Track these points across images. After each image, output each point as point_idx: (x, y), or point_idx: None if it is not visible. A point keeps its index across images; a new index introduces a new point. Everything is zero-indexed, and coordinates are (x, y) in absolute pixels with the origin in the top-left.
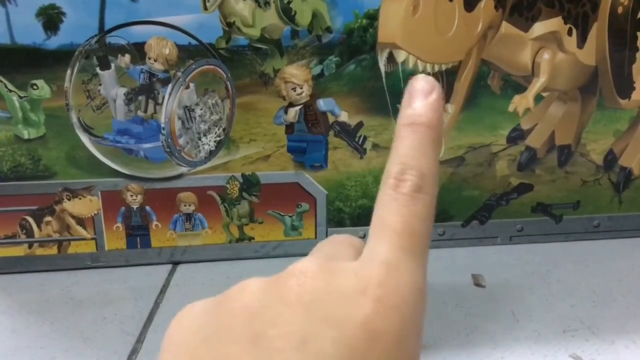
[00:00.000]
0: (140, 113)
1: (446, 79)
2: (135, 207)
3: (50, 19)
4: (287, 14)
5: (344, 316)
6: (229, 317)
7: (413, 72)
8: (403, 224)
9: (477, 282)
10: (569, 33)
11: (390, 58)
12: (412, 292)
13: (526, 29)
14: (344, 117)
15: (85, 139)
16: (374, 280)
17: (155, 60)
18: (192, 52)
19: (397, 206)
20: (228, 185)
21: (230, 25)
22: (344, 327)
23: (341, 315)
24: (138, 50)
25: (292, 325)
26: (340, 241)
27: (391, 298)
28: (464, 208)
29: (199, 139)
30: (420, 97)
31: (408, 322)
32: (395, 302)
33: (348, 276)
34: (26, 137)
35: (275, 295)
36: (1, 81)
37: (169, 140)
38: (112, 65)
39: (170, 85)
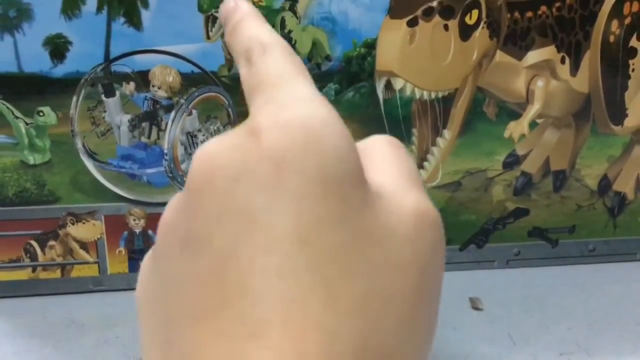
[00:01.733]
0: (143, 139)
1: (442, 105)
2: (137, 231)
3: (57, 47)
4: (287, 43)
5: (244, 162)
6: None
7: (411, 99)
8: (263, 72)
9: (475, 305)
10: (562, 61)
11: (388, 85)
12: (301, 103)
13: (520, 57)
14: None
15: (89, 164)
16: (258, 119)
17: (159, 88)
18: (195, 80)
19: (251, 72)
20: None
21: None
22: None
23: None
24: (142, 78)
25: None
26: None
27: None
28: (462, 232)
29: None
30: (229, 13)
31: (314, 130)
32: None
33: (238, 131)
34: (32, 162)
35: None
36: (8, 108)
37: (172, 165)
38: (117, 92)
39: (173, 112)
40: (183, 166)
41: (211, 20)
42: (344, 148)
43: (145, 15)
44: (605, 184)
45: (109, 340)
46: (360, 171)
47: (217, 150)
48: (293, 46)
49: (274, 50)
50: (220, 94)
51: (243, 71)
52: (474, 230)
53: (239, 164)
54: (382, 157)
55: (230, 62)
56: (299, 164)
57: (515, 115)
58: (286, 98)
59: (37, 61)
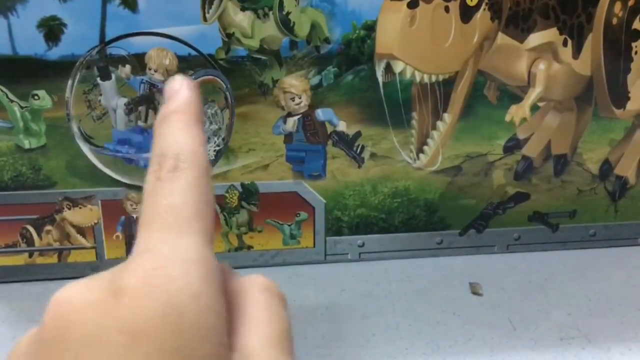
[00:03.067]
0: (140, 123)
1: (443, 89)
2: (135, 216)
3: (52, 30)
4: (285, 25)
5: (99, 327)
6: None
7: (410, 82)
8: (162, 204)
9: (475, 290)
10: (564, 44)
11: (388, 68)
12: (177, 266)
13: (522, 39)
14: (342, 126)
15: (85, 148)
16: (125, 276)
17: (155, 71)
18: (191, 63)
19: (156, 191)
20: (227, 195)
21: (229, 36)
22: (103, 339)
23: (95, 327)
24: (138, 61)
25: None
26: None
27: (148, 286)
28: (462, 217)
29: None
30: (169, 95)
31: (178, 305)
32: (154, 289)
33: (102, 283)
34: (27, 146)
35: None
36: (3, 91)
37: None
38: (113, 75)
39: None
40: None
41: (207, 1)
42: (208, 326)
43: None
44: (606, 168)
45: None
46: (222, 348)
47: (76, 303)
48: (291, 28)
49: (185, 173)
50: (218, 77)
51: (150, 178)
52: (474, 215)
53: (94, 328)
54: (255, 312)
55: (227, 45)
56: (157, 342)
57: (517, 99)
58: (166, 256)
59: (31, 44)
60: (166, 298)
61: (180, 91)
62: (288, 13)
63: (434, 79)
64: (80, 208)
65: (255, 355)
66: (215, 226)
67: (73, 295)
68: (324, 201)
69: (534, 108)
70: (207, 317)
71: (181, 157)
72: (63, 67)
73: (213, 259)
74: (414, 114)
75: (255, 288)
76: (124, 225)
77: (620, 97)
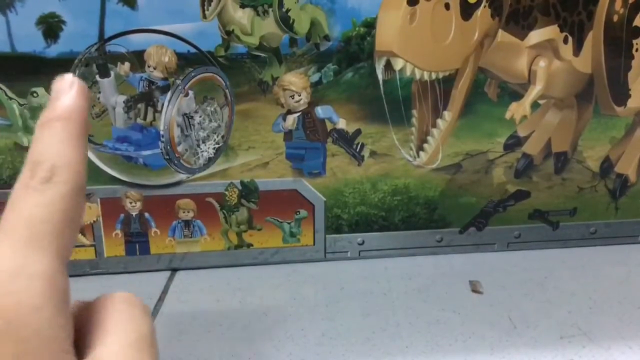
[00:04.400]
0: (139, 120)
1: (443, 86)
2: (134, 214)
3: (50, 27)
4: (285, 22)
5: None
6: None
7: (411, 80)
8: (23, 215)
9: (475, 288)
10: (565, 41)
11: (388, 66)
12: (19, 281)
13: (522, 37)
14: (342, 124)
15: None
16: None
17: (154, 68)
18: (191, 60)
19: (21, 198)
20: (227, 192)
21: (229, 33)
22: None
23: None
24: (137, 58)
25: None
26: None
27: None
28: (462, 215)
29: (198, 146)
30: (57, 96)
31: (17, 317)
32: None
33: None
34: (26, 144)
35: None
36: (1, 89)
37: (168, 147)
38: (112, 73)
39: (169, 93)
40: (179, 148)
41: None
42: (48, 336)
43: None
44: (607, 166)
45: None
46: (66, 356)
47: None
48: (291, 26)
49: (57, 187)
50: (217, 75)
51: (19, 185)
52: (474, 213)
53: None
54: (114, 322)
55: (227, 42)
56: None
57: (517, 96)
58: (10, 270)
59: (30, 41)
60: (5, 311)
61: (68, 95)
62: (288, 10)
63: (434, 76)
64: None
65: (112, 358)
66: (73, 244)
67: None
68: (324, 199)
69: (535, 106)
70: (48, 328)
71: (57, 169)
72: (62, 65)
73: (62, 276)
74: (414, 112)
75: (116, 301)
76: (123, 223)
77: (621, 94)
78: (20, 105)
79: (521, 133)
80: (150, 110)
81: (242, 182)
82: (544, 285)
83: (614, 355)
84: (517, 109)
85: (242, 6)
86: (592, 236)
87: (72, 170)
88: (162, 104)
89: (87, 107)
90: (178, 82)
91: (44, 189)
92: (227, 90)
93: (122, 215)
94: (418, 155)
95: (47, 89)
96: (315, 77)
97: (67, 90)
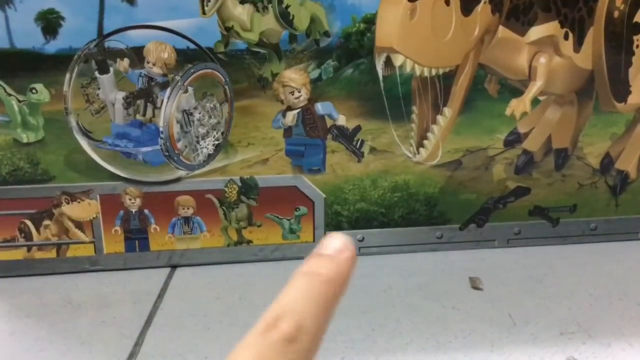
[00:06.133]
0: (139, 117)
1: (443, 83)
2: (133, 210)
3: (49, 23)
4: (285, 18)
5: None
6: None
7: (410, 76)
8: None
9: (475, 285)
10: (566, 37)
11: (388, 62)
12: None
13: (523, 33)
14: (341, 120)
15: (84, 142)
16: None
17: (153, 65)
18: (190, 56)
19: (257, 351)
20: (226, 189)
21: (228, 29)
22: None
23: None
24: (137, 55)
25: None
26: None
27: None
28: (462, 211)
29: (198, 142)
30: (329, 251)
31: None
32: None
33: None
34: (25, 140)
35: None
36: (0, 85)
37: (168, 143)
38: (111, 69)
39: (168, 89)
40: (179, 144)
41: None
42: None
43: None
44: (607, 163)
45: (106, 320)
46: None
47: None
48: (291, 22)
49: (300, 348)
50: (217, 71)
51: (257, 330)
52: (474, 210)
53: None
54: None
55: (226, 38)
56: None
57: (517, 93)
58: None
59: (29, 37)
60: None
61: (342, 254)
62: (287, 6)
63: (434, 72)
64: (78, 202)
65: None
66: None
67: None
68: (324, 195)
69: (535, 102)
70: None
71: (302, 332)
72: (61, 61)
73: None
74: (414, 108)
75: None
76: (122, 220)
77: (621, 90)
78: (19, 101)
79: (521, 129)
80: (149, 106)
81: (241, 179)
82: (544, 281)
83: (614, 352)
84: (518, 105)
85: (242, 2)
86: (593, 232)
87: (316, 337)
88: (162, 101)
89: (349, 276)
90: (177, 78)
91: (286, 350)
92: (226, 87)
93: (121, 212)
94: (418, 152)
95: (46, 85)
96: (315, 74)
97: (340, 250)
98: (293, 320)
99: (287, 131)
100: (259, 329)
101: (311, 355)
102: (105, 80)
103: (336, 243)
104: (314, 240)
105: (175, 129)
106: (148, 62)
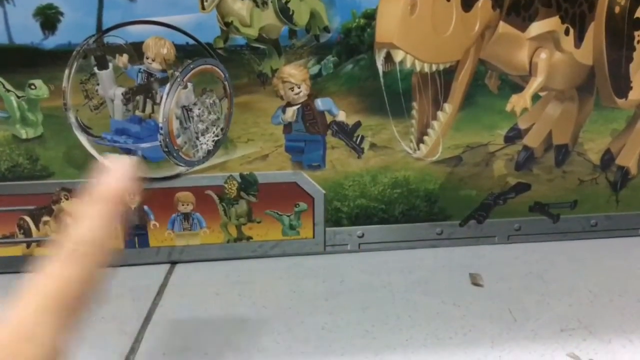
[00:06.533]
0: (138, 113)
1: (443, 78)
2: (133, 206)
3: (48, 18)
4: (284, 13)
5: None
6: None
7: (411, 72)
8: (50, 285)
9: (475, 281)
10: (566, 33)
11: (388, 58)
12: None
13: (523, 28)
14: (341, 116)
15: (83, 138)
16: None
17: (153, 60)
18: (190, 52)
19: (51, 269)
20: (226, 185)
21: (228, 25)
22: None
23: None
24: (136, 50)
25: None
26: None
27: None
28: (462, 207)
29: (197, 138)
30: (102, 178)
31: None
32: None
33: None
34: (24, 136)
35: None
36: None
37: (167, 139)
38: (110, 65)
39: (168, 85)
40: (179, 140)
41: None
42: None
43: None
44: (608, 159)
45: (106, 316)
46: None
47: None
48: (290, 17)
49: (77, 267)
50: (216, 67)
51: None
52: (474, 206)
53: None
54: None
55: (226, 34)
56: None
57: (518, 88)
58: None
59: (27, 32)
60: None
61: (114, 179)
62: (287, 1)
63: (434, 68)
64: (78, 199)
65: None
66: (83, 314)
67: None
68: (324, 192)
69: (535, 98)
70: None
71: (82, 245)
72: (60, 56)
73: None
74: (414, 104)
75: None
76: (121, 216)
77: (622, 86)
78: (18, 97)
79: (522, 125)
80: (149, 102)
81: (241, 175)
82: (545, 278)
83: (614, 349)
84: (518, 101)
85: None
86: (593, 229)
87: (95, 245)
88: (161, 96)
89: (126, 190)
90: (177, 74)
91: (73, 264)
92: (226, 83)
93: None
94: (418, 148)
95: (45, 80)
96: (314, 69)
97: (117, 173)
98: (83, 239)
99: (287, 127)
100: (55, 251)
101: (102, 264)
102: (105, 76)
103: (111, 166)
104: (313, 237)
105: (175, 124)
106: (147, 58)
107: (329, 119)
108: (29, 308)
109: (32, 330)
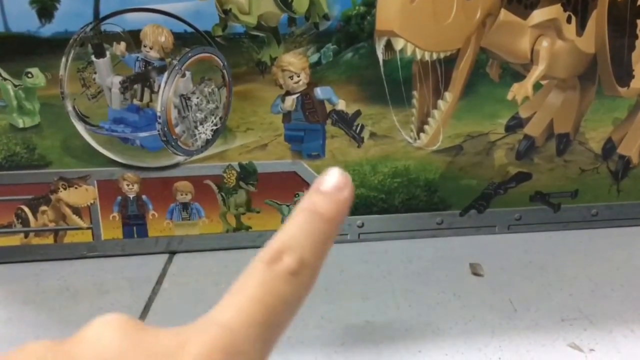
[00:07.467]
0: (136, 101)
1: (444, 67)
2: (131, 196)
3: (45, 6)
4: (284, 1)
5: None
6: None
7: (411, 60)
8: (263, 296)
9: (475, 271)
10: (568, 20)
11: (388, 46)
12: None
13: (525, 16)
14: (341, 105)
15: (80, 127)
16: (199, 338)
17: (150, 48)
18: (188, 40)
19: (263, 279)
20: (225, 175)
21: (226, 12)
22: None
23: None
24: (133, 38)
25: None
26: None
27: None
28: (462, 197)
29: (196, 127)
30: (328, 189)
31: None
32: None
33: (167, 336)
34: (21, 125)
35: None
36: None
37: (166, 129)
38: (108, 53)
39: (166, 74)
40: (177, 129)
41: None
42: None
43: None
44: (609, 148)
45: (104, 307)
46: None
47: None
48: (289, 4)
49: (299, 282)
50: (215, 55)
51: (259, 261)
52: (474, 195)
53: None
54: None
55: (224, 22)
56: None
57: (519, 77)
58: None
59: (24, 20)
60: None
61: (342, 193)
62: None
63: (435, 56)
64: (75, 188)
65: None
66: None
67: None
68: None
69: (537, 86)
70: None
71: (303, 267)
72: (57, 45)
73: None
74: (415, 93)
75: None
76: (120, 205)
77: (624, 75)
78: (15, 86)
79: (523, 114)
80: (146, 91)
81: (240, 164)
82: (545, 267)
83: (616, 339)
84: (519, 90)
85: None
86: (594, 219)
87: (314, 273)
88: (159, 85)
89: (346, 213)
90: (175, 62)
91: (288, 281)
92: (224, 71)
93: (119, 198)
94: (418, 137)
95: (42, 69)
96: (314, 58)
97: (340, 188)
98: (297, 254)
99: (286, 116)
100: (263, 259)
101: (309, 289)
102: (102, 64)
103: (335, 180)
104: None
105: (173, 114)
106: (145, 46)
107: (328, 107)
108: (242, 317)
109: (244, 343)
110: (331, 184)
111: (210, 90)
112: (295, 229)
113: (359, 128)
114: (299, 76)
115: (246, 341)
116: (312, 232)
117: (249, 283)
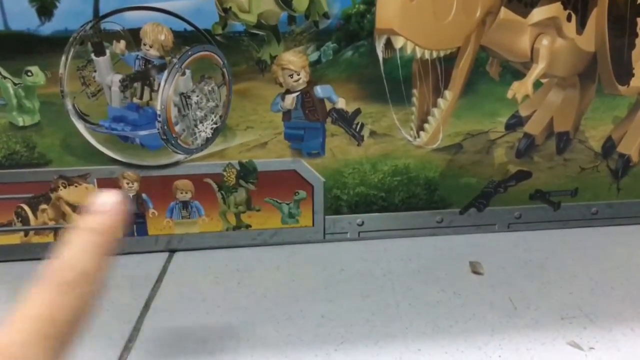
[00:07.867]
0: (135, 100)
1: (444, 65)
2: (131, 194)
3: (44, 4)
4: None
5: None
6: None
7: (411, 59)
8: (42, 311)
9: (475, 269)
10: (568, 19)
11: (388, 44)
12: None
13: (525, 14)
14: (341, 104)
15: (80, 126)
16: None
17: (150, 47)
18: (188, 38)
19: (43, 295)
20: (225, 173)
21: (226, 11)
22: None
23: None
24: (133, 36)
25: None
26: None
27: None
28: (462, 195)
29: (196, 126)
30: (96, 207)
31: None
32: None
33: None
34: (21, 124)
35: None
36: None
37: (165, 127)
38: (107, 51)
39: (166, 72)
40: (177, 128)
41: None
42: None
43: None
44: (609, 146)
45: (105, 305)
46: None
47: None
48: (289, 3)
49: (75, 291)
50: (215, 53)
51: (45, 279)
52: (474, 194)
53: None
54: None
55: (224, 20)
56: None
57: (519, 75)
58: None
59: (24, 18)
60: None
61: (105, 207)
62: None
63: (435, 55)
64: (75, 186)
65: None
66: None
67: None
68: (323, 179)
69: (537, 85)
70: None
71: (78, 276)
72: (56, 43)
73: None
74: (415, 91)
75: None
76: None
77: (624, 73)
78: (15, 84)
79: (523, 112)
80: (146, 89)
81: (240, 163)
82: (545, 266)
83: (615, 337)
84: (519, 88)
85: None
86: (594, 217)
87: (91, 278)
88: (159, 83)
89: (119, 224)
90: (175, 60)
91: (64, 292)
92: (224, 69)
93: None
94: (418, 135)
95: (42, 67)
96: (314, 56)
97: (106, 205)
98: (75, 269)
99: (286, 114)
100: (47, 278)
101: (94, 294)
102: (102, 62)
103: (100, 200)
104: (313, 225)
105: (173, 112)
106: (145, 44)
107: (328, 106)
108: (20, 330)
109: (23, 354)
110: (97, 203)
111: (210, 88)
112: (74, 248)
113: (358, 126)
114: (298, 74)
115: (22, 349)
116: (88, 246)
117: (31, 301)
